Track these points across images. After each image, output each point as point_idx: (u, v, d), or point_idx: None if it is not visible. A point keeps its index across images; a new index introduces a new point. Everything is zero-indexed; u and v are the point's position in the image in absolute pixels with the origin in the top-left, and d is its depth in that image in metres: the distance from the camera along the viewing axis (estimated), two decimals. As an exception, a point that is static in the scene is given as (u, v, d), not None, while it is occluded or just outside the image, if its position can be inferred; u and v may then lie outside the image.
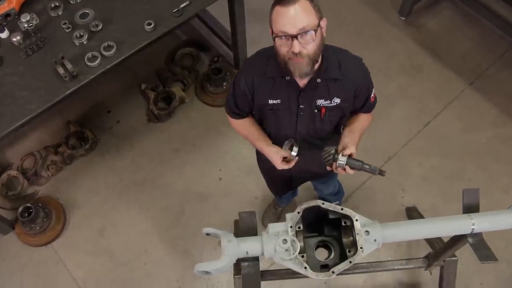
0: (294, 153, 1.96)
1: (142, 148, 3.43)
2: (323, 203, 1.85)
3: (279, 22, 1.62)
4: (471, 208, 2.00)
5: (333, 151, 1.85)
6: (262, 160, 2.23)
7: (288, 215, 1.86)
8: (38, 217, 3.04)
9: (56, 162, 3.36)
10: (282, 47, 1.68)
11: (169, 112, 3.49)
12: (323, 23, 1.70)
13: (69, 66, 2.52)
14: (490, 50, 3.74)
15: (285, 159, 1.97)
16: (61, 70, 2.51)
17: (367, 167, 1.82)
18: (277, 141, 2.02)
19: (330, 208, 1.85)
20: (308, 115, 1.92)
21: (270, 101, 1.90)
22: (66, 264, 3.06)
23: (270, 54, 1.81)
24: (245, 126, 2.09)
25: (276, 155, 1.96)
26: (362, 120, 2.03)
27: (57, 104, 2.56)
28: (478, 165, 3.27)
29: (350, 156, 1.84)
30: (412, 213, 3.04)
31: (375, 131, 3.37)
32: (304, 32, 1.61)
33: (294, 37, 1.62)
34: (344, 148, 1.86)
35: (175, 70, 3.66)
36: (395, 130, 3.42)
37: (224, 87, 3.54)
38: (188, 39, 3.85)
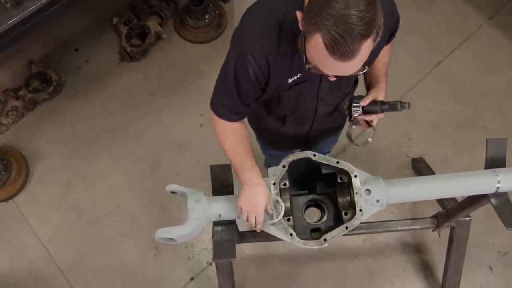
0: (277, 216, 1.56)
1: (114, 91, 3.19)
2: (314, 155, 1.59)
3: (328, 68, 1.23)
4: (495, 163, 1.73)
5: (347, 99, 1.60)
6: (262, 120, 1.81)
7: (271, 170, 1.59)
8: (-6, 170, 2.80)
9: (17, 108, 3.10)
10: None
11: (144, 49, 3.23)
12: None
13: (10, -11, 2.20)
14: (513, -21, 3.45)
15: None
16: (0, -6, 2.17)
17: (386, 106, 1.50)
18: (289, 122, 1.71)
19: (323, 161, 1.59)
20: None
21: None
22: (29, 221, 2.86)
23: (278, 19, 1.32)
24: (237, 139, 1.60)
25: (264, 199, 1.54)
26: (384, 57, 1.67)
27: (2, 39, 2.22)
28: (495, 111, 3.05)
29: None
30: (419, 165, 2.79)
31: (378, 72, 3.03)
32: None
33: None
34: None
35: (152, 2, 3.39)
36: (402, 71, 3.16)
37: (207, 21, 3.27)
38: (167, -35, 3.53)
